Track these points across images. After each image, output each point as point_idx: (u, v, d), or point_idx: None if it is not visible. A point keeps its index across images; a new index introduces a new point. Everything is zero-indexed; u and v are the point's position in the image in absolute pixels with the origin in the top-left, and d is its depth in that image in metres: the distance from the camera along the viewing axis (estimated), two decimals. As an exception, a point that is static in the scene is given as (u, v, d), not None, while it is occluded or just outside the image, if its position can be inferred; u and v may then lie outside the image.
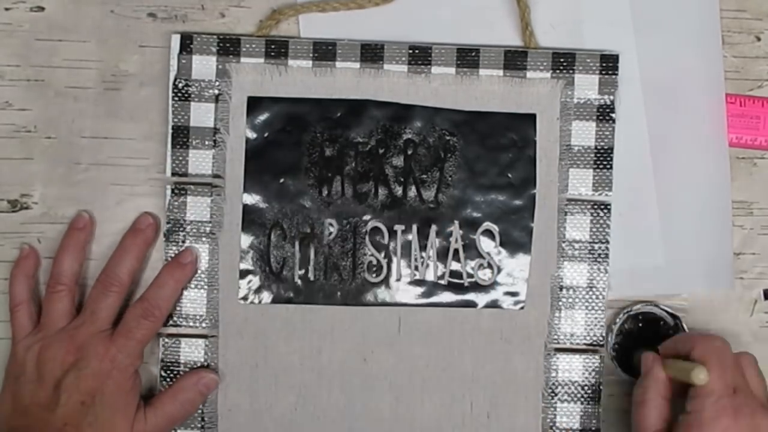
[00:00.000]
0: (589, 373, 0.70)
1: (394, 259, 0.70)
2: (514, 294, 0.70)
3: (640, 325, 0.71)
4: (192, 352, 0.70)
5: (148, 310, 0.67)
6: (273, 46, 0.69)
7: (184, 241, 0.69)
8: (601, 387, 0.70)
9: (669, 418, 0.64)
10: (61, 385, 0.64)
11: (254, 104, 0.70)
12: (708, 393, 0.61)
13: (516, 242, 0.70)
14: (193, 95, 0.70)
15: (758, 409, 0.62)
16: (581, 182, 0.70)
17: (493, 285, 0.70)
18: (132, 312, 0.67)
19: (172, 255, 0.69)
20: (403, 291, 0.70)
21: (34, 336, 0.67)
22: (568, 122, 0.70)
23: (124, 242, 0.69)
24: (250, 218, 0.70)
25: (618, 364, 0.70)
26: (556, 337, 0.70)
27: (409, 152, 0.70)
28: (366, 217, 0.70)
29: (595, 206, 0.70)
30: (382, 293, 0.70)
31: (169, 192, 0.69)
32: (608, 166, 0.70)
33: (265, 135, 0.70)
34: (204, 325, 0.70)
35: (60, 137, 0.70)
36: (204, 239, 0.70)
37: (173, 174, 0.70)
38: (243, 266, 0.70)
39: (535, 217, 0.70)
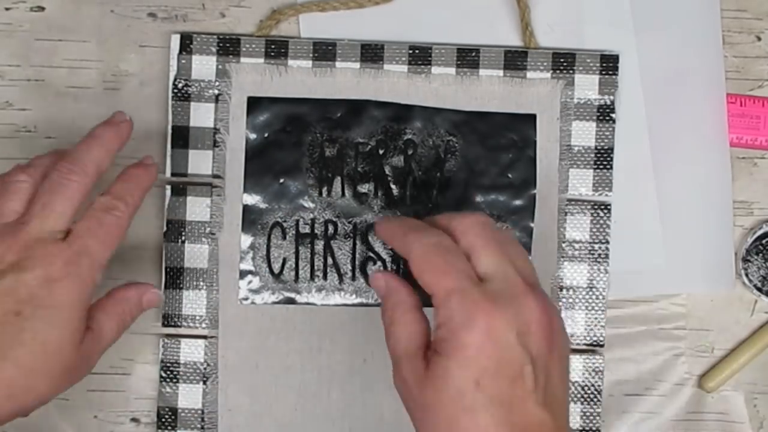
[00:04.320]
0: (589, 373, 0.70)
1: (395, 260, 0.70)
2: (514, 294, 0.70)
3: None
4: (192, 352, 0.70)
5: (110, 203, 0.56)
6: (273, 46, 0.69)
7: (183, 242, 0.69)
8: (601, 387, 0.70)
9: (427, 330, 0.55)
10: None
11: (254, 104, 0.70)
12: (448, 293, 0.51)
13: (516, 242, 0.70)
14: (192, 95, 0.70)
15: (521, 289, 0.52)
16: (581, 182, 0.70)
17: (493, 285, 0.70)
18: (91, 207, 0.56)
19: (172, 255, 0.69)
20: (403, 291, 0.70)
21: None
22: (568, 122, 0.70)
23: (94, 131, 0.58)
24: (250, 218, 0.70)
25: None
26: (556, 337, 0.70)
27: (410, 152, 0.70)
28: (366, 217, 0.70)
29: (595, 206, 0.70)
30: (382, 293, 0.70)
31: (168, 192, 0.69)
32: (608, 166, 0.70)
33: (265, 135, 0.70)
34: (204, 325, 0.70)
35: (60, 137, 0.70)
36: (204, 239, 0.70)
37: (173, 174, 0.70)
38: (243, 266, 0.70)
39: (535, 217, 0.70)
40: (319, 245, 0.70)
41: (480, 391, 0.50)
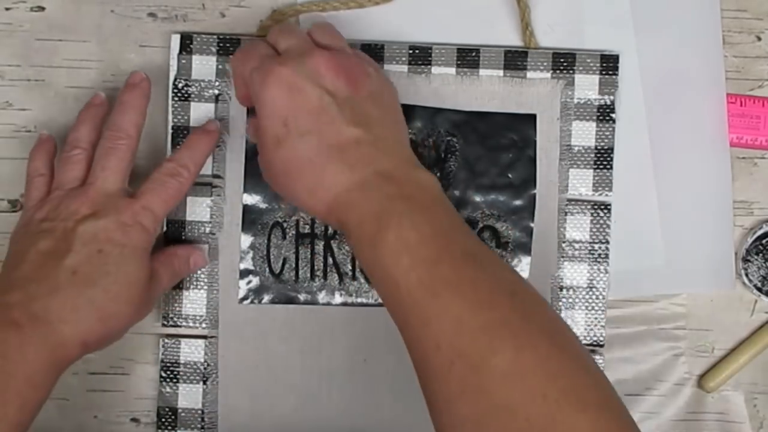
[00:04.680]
0: (589, 373, 0.70)
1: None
2: (514, 294, 0.70)
3: None
4: (192, 352, 0.70)
5: (175, 170, 0.64)
6: (273, 46, 0.69)
7: (184, 241, 0.69)
8: (601, 387, 0.70)
9: None
10: (75, 233, 0.60)
11: (254, 104, 0.70)
12: (251, 73, 0.59)
13: (516, 242, 0.70)
14: (193, 95, 0.70)
15: (310, 48, 0.59)
16: (581, 182, 0.70)
17: (493, 285, 0.70)
18: (158, 171, 0.64)
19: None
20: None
21: (44, 199, 0.63)
22: (568, 122, 0.70)
23: (123, 98, 0.65)
24: (250, 218, 0.70)
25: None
26: (556, 337, 0.70)
27: (409, 152, 0.70)
28: (366, 217, 0.70)
29: (595, 206, 0.70)
30: (382, 293, 0.70)
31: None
32: (608, 166, 0.70)
33: (265, 135, 0.70)
34: (204, 325, 0.70)
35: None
36: (204, 239, 0.70)
37: (173, 174, 0.70)
38: (243, 266, 0.70)
39: (535, 217, 0.70)
40: (319, 245, 0.70)
41: (289, 129, 0.58)
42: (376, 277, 0.56)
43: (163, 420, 0.70)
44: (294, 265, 0.70)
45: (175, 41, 0.70)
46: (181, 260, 0.67)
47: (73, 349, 0.59)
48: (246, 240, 0.70)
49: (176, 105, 0.69)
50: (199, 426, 0.70)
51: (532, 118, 0.70)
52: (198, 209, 0.70)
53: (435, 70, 0.70)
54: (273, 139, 0.59)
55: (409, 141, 0.63)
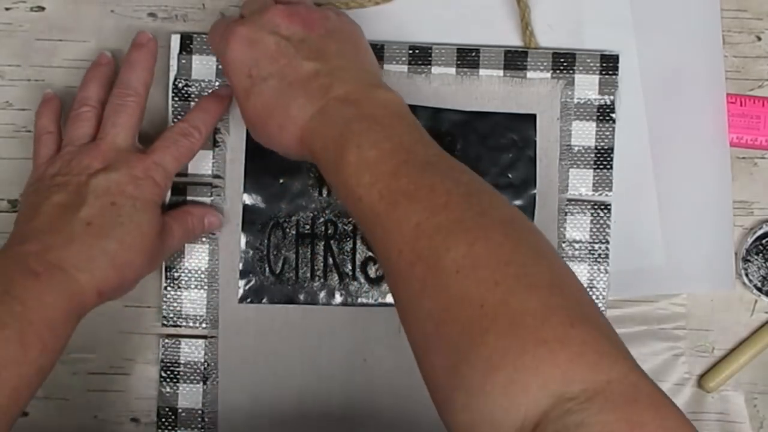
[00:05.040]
0: (589, 373, 0.70)
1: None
2: (514, 294, 0.70)
3: None
4: (192, 352, 0.70)
5: (187, 130, 0.66)
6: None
7: (182, 246, 0.69)
8: (601, 387, 0.70)
9: None
10: (88, 186, 0.62)
11: (254, 104, 0.70)
12: (220, 39, 0.62)
13: (516, 242, 0.70)
14: (193, 95, 0.70)
15: (267, 5, 0.62)
16: (581, 182, 0.70)
17: (493, 285, 0.70)
18: (170, 130, 0.66)
19: (172, 255, 0.69)
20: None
21: (56, 156, 0.65)
22: (568, 122, 0.70)
23: (130, 57, 0.67)
24: (250, 218, 0.70)
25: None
26: (556, 337, 0.70)
27: (409, 152, 0.70)
28: (366, 217, 0.70)
29: (595, 206, 0.70)
30: (382, 293, 0.70)
31: (168, 192, 0.69)
32: (608, 166, 0.70)
33: (265, 135, 0.70)
34: (204, 325, 0.70)
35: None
36: (204, 239, 0.70)
37: (173, 174, 0.70)
38: (243, 266, 0.70)
39: (535, 217, 0.70)
40: (319, 245, 0.70)
41: (253, 78, 0.61)
42: (342, 196, 0.58)
43: (163, 420, 0.70)
44: (294, 265, 0.70)
45: (175, 41, 0.70)
46: (195, 218, 0.68)
47: (89, 297, 0.60)
48: (246, 240, 0.70)
49: (176, 105, 0.69)
50: (199, 426, 0.70)
51: (532, 118, 0.70)
52: (198, 209, 0.70)
53: (435, 70, 0.70)
54: (242, 92, 0.61)
55: (377, 68, 0.65)
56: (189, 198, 0.69)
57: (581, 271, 0.70)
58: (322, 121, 0.59)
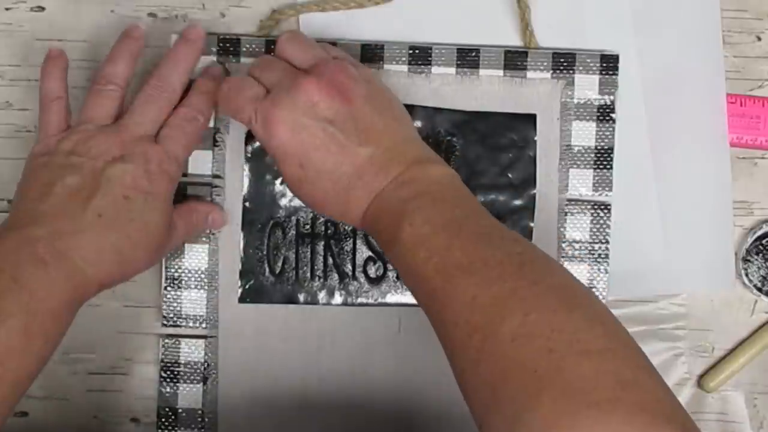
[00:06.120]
0: (589, 373, 0.70)
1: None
2: (514, 294, 0.70)
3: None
4: (192, 352, 0.70)
5: (191, 114, 0.65)
6: (273, 46, 0.69)
7: (183, 241, 0.69)
8: (601, 387, 0.70)
9: None
10: (103, 175, 0.61)
11: (254, 104, 0.70)
12: (249, 121, 0.61)
13: (516, 242, 0.70)
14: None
15: (295, 78, 0.61)
16: (581, 182, 0.70)
17: (493, 285, 0.70)
18: (175, 116, 0.65)
19: (172, 255, 0.69)
20: (404, 291, 0.70)
21: (71, 130, 0.63)
22: (568, 122, 0.70)
23: (176, 52, 0.66)
24: (250, 218, 0.70)
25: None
26: (556, 337, 0.70)
27: (409, 152, 0.70)
28: (366, 217, 0.70)
29: (595, 206, 0.70)
30: (382, 293, 0.70)
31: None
32: (608, 166, 0.70)
33: (265, 135, 0.70)
34: (204, 325, 0.70)
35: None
36: (204, 239, 0.70)
37: (173, 174, 0.70)
38: (243, 266, 0.70)
39: (535, 217, 0.70)
40: (319, 245, 0.70)
41: (306, 170, 0.61)
42: (401, 272, 0.60)
43: (163, 420, 0.70)
44: (294, 265, 0.70)
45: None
46: (200, 215, 0.68)
47: (91, 289, 0.60)
48: (246, 240, 0.70)
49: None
50: (199, 426, 0.70)
51: (532, 118, 0.70)
52: (198, 209, 0.70)
53: (435, 70, 0.70)
54: (293, 178, 0.61)
55: (413, 127, 0.65)
56: (189, 197, 0.69)
57: (581, 271, 0.70)
58: (380, 205, 0.60)
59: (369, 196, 0.60)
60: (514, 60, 0.70)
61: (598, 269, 0.70)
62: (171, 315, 0.70)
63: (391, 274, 0.70)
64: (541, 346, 0.51)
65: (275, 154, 0.61)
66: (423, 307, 0.58)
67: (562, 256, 0.70)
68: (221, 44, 0.69)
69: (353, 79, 0.61)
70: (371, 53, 0.69)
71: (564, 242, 0.70)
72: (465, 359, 0.54)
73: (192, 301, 0.70)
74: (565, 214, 0.70)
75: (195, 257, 0.70)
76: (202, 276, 0.70)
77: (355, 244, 0.70)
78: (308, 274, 0.70)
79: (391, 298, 0.70)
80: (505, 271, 0.55)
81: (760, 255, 0.71)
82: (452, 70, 0.70)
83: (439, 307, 0.56)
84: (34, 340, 0.57)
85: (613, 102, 0.70)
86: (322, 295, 0.70)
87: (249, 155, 0.70)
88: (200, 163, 0.70)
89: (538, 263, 0.57)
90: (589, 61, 0.70)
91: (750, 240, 0.70)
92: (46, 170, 0.62)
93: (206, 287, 0.70)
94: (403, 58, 0.70)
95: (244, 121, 0.62)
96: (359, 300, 0.70)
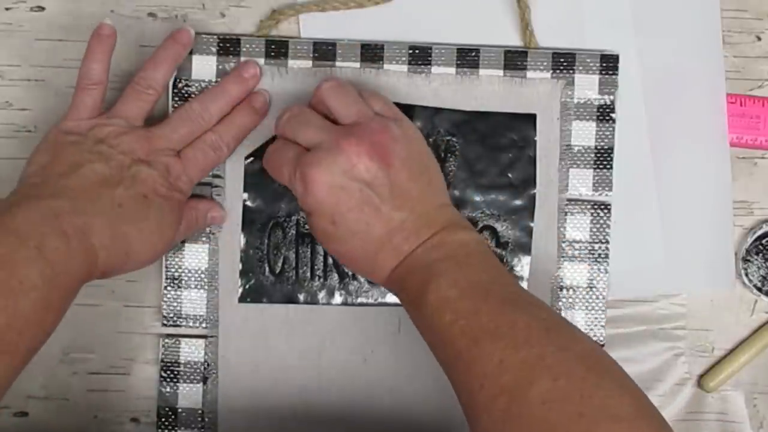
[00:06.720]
0: (589, 373, 0.70)
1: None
2: (514, 294, 0.70)
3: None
4: (192, 352, 0.70)
5: (218, 144, 0.67)
6: (273, 47, 0.69)
7: (183, 241, 0.69)
8: (601, 387, 0.70)
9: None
10: (129, 170, 0.63)
11: (254, 104, 0.70)
12: (289, 179, 0.62)
13: (516, 242, 0.70)
14: (193, 95, 0.69)
15: (336, 137, 0.61)
16: (581, 182, 0.70)
17: (493, 285, 0.70)
18: (203, 141, 0.67)
19: (172, 255, 0.69)
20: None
21: (104, 120, 0.65)
22: (568, 122, 0.70)
23: (226, 85, 0.68)
24: (250, 218, 0.70)
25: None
26: (556, 337, 0.70)
27: (409, 152, 0.70)
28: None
29: (595, 206, 0.70)
30: (382, 293, 0.70)
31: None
32: (608, 166, 0.70)
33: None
34: (204, 325, 0.70)
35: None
36: (204, 239, 0.70)
37: (173, 174, 0.70)
38: (243, 266, 0.70)
39: (535, 217, 0.70)
40: (319, 245, 0.70)
41: (338, 227, 0.61)
42: (423, 332, 0.60)
43: (163, 420, 0.70)
44: (294, 265, 0.70)
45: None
46: (200, 213, 0.68)
47: (96, 272, 0.61)
48: (246, 240, 0.70)
49: (176, 105, 0.69)
50: (199, 426, 0.70)
51: (532, 117, 0.70)
52: (198, 209, 0.70)
53: (435, 70, 0.70)
54: (324, 233, 0.62)
55: (446, 190, 0.65)
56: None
57: (581, 271, 0.70)
58: (407, 266, 0.61)
59: (397, 258, 0.61)
60: (514, 60, 0.70)
61: (598, 269, 0.70)
62: (171, 315, 0.70)
63: (391, 274, 0.70)
64: (572, 411, 0.52)
65: (309, 208, 0.62)
66: (444, 368, 0.59)
67: (562, 256, 0.70)
68: (221, 44, 0.69)
69: (394, 139, 0.62)
70: (371, 53, 0.69)
71: (564, 242, 0.70)
72: (490, 421, 0.54)
73: (192, 300, 0.70)
74: (565, 214, 0.70)
75: (195, 257, 0.70)
76: (202, 276, 0.70)
77: (355, 244, 0.70)
78: (308, 274, 0.70)
79: (391, 298, 0.70)
80: (532, 335, 0.55)
81: (760, 255, 0.71)
82: (452, 70, 0.70)
83: (464, 369, 0.56)
84: (50, 314, 0.57)
85: (613, 102, 0.70)
86: (322, 295, 0.70)
87: (249, 156, 0.70)
88: (200, 163, 0.70)
89: (564, 329, 0.58)
90: (589, 61, 0.70)
91: (750, 240, 0.70)
92: (75, 150, 0.63)
93: (206, 287, 0.70)
94: (403, 58, 0.70)
95: (284, 180, 0.63)
96: (359, 300, 0.70)
